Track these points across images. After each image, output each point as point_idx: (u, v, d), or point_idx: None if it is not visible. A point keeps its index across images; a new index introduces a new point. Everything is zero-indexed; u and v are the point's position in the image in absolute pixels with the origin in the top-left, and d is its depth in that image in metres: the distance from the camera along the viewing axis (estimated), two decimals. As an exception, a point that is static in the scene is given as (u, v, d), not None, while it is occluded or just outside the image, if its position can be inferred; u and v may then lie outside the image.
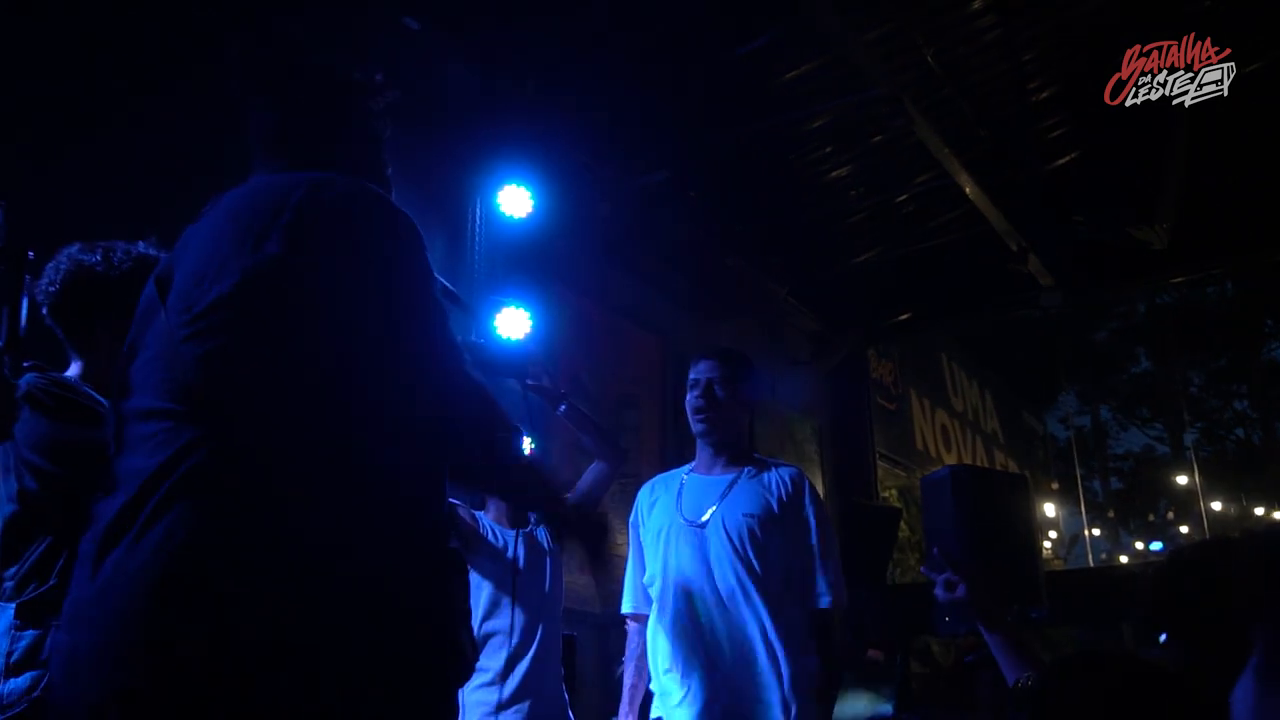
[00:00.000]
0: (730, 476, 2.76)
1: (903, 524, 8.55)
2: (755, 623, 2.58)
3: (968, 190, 6.30)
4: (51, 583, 1.92)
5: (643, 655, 2.77)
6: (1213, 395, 22.12)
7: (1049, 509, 17.34)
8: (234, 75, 1.56)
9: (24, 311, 1.36)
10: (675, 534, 2.72)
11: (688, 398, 2.85)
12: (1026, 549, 5.25)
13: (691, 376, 2.86)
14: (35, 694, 1.84)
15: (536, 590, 3.16)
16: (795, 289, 7.47)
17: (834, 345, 8.25)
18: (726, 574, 2.61)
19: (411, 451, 1.36)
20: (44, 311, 2.10)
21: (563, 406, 3.07)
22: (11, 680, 1.87)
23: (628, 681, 2.82)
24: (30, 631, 1.90)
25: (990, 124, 6.48)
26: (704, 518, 2.69)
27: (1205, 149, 6.04)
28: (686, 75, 5.35)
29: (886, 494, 9.49)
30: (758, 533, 2.63)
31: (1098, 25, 5.82)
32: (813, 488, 2.78)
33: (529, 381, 2.94)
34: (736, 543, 2.63)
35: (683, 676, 2.60)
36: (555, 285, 5.23)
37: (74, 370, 2.14)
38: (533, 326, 5.04)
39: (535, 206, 4.50)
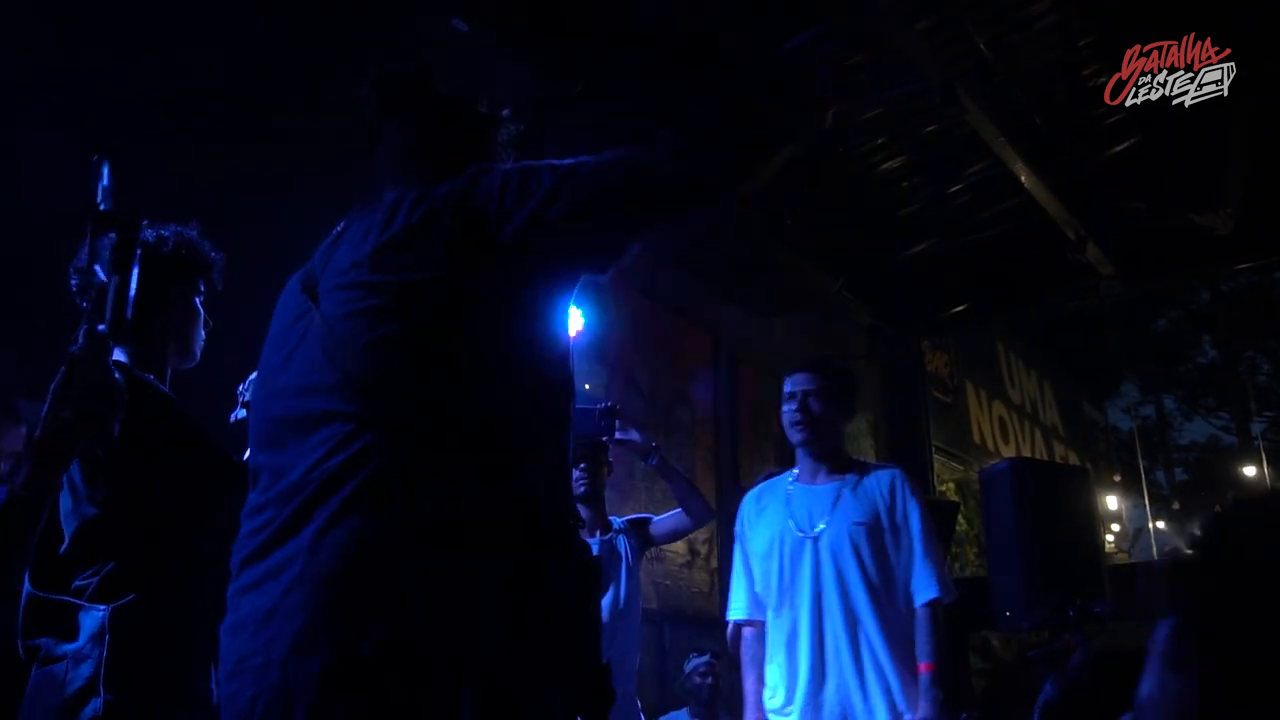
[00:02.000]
0: (835, 485, 2.83)
1: (960, 518, 8.44)
2: (869, 633, 2.66)
3: (1023, 179, 6.21)
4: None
5: (761, 661, 2.83)
6: (1281, 384, 21.54)
7: (1111, 501, 17.00)
8: (373, 94, 1.62)
9: (133, 289, 1.24)
10: (789, 546, 2.80)
11: (783, 410, 2.90)
12: (1088, 542, 5.22)
13: (786, 389, 2.91)
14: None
15: (612, 595, 3.21)
16: (848, 282, 7.41)
17: (888, 338, 8.18)
18: (843, 584, 2.70)
19: (553, 455, 1.39)
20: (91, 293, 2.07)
21: (653, 459, 3.16)
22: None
23: (750, 688, 2.86)
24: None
25: (1045, 111, 6.37)
26: (817, 529, 2.77)
27: (1272, 130, 5.88)
28: (735, 70, 5.34)
29: (943, 488, 9.39)
30: (869, 541, 2.72)
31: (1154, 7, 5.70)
32: (914, 486, 2.85)
33: (617, 436, 3.01)
34: (851, 553, 2.71)
35: (793, 687, 2.70)
36: (607, 282, 5.25)
37: (120, 355, 2.07)
38: (585, 323, 5.06)
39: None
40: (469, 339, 1.34)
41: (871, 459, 7.89)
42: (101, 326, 1.20)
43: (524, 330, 1.37)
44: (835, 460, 2.88)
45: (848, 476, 2.83)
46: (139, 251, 1.27)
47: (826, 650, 2.68)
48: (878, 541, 2.72)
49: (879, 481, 2.81)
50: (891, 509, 2.76)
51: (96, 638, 1.90)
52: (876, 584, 2.69)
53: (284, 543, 1.26)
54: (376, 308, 1.33)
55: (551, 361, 1.41)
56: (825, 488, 2.83)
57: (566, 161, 1.38)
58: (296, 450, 1.31)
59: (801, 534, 2.78)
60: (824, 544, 2.74)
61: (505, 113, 1.67)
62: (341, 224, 1.52)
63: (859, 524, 2.73)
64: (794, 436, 2.88)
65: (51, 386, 1.17)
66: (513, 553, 1.28)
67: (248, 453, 1.52)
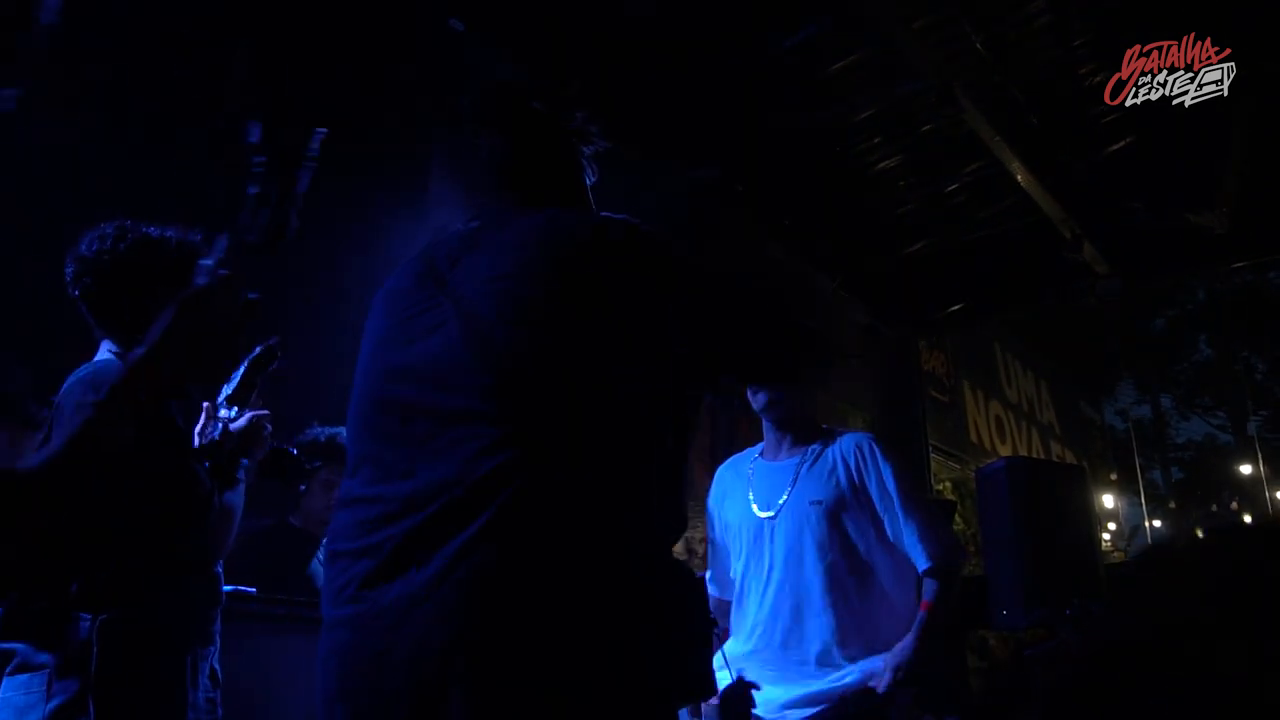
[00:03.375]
0: (795, 460, 2.70)
1: (957, 517, 8.44)
2: (829, 618, 2.53)
3: (1020, 178, 6.21)
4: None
5: (724, 637, 2.73)
6: (1278, 382, 21.58)
7: (1108, 500, 17.03)
8: (469, 105, 1.68)
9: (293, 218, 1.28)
10: (748, 530, 2.71)
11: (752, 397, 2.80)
12: (1085, 541, 5.22)
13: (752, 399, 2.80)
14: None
15: None
16: (845, 281, 7.41)
17: (885, 337, 8.18)
18: (801, 568, 2.58)
19: (673, 484, 1.42)
20: (86, 281, 2.03)
21: None
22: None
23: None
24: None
25: (1042, 110, 6.38)
26: (773, 512, 2.66)
27: (1269, 129, 5.89)
28: (733, 69, 5.34)
29: (940, 487, 9.39)
30: (827, 519, 2.59)
31: (1151, 7, 5.70)
32: (884, 449, 2.67)
33: None
34: (810, 534, 2.58)
35: (758, 677, 2.56)
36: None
37: (107, 353, 2.08)
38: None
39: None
40: (618, 375, 1.35)
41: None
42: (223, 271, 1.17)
43: (665, 382, 1.41)
44: (800, 430, 2.75)
45: (811, 448, 2.70)
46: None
47: (788, 644, 2.56)
48: (841, 518, 2.58)
49: (842, 450, 2.66)
50: (860, 480, 2.60)
51: (82, 649, 1.88)
52: (836, 564, 2.55)
53: (426, 549, 1.24)
54: (540, 317, 1.34)
55: (679, 407, 1.46)
56: (786, 464, 2.71)
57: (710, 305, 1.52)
58: (426, 446, 1.29)
59: (757, 517, 2.68)
60: (779, 526, 2.63)
61: (594, 129, 1.73)
62: (473, 223, 1.55)
63: (815, 503, 2.60)
64: (763, 410, 2.77)
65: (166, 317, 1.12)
66: (644, 578, 1.30)
67: (341, 431, 1.52)
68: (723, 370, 1.61)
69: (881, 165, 6.69)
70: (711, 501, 2.90)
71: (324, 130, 1.34)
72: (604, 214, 1.54)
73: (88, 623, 1.87)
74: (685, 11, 4.84)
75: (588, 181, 1.71)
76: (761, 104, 5.62)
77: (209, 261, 1.18)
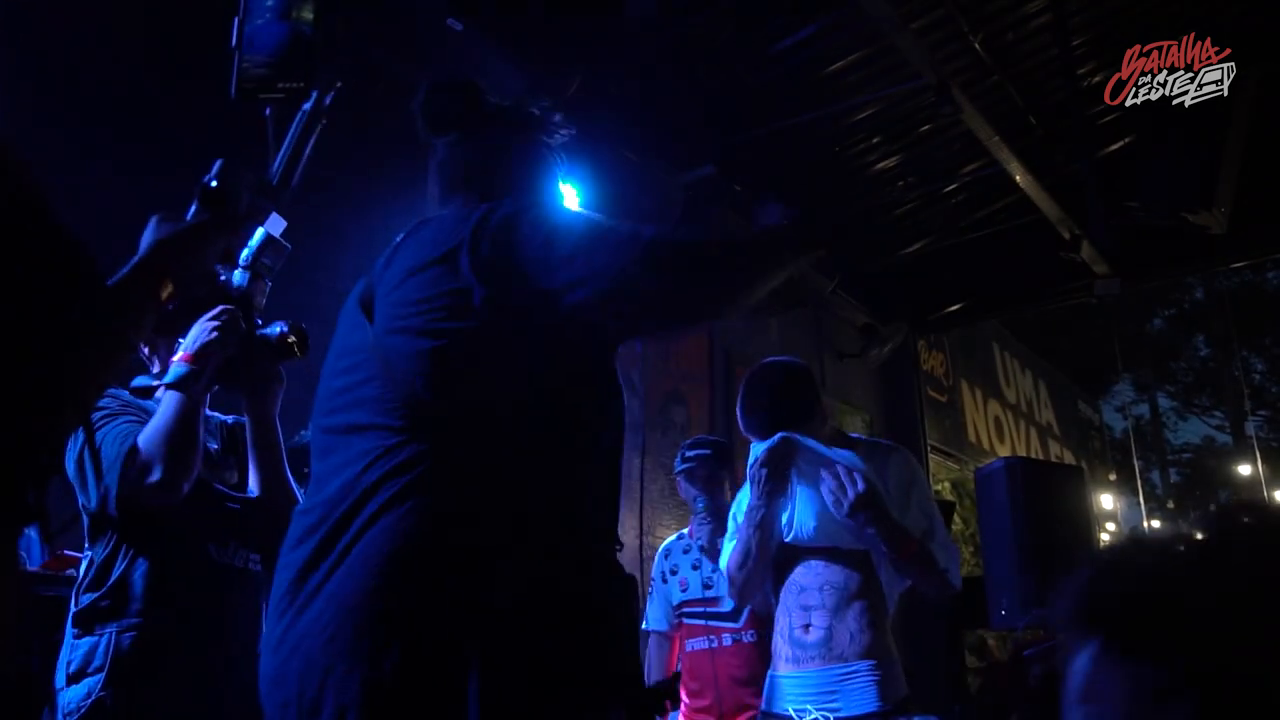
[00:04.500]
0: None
1: (956, 517, 8.45)
2: (851, 624, 2.52)
3: (1018, 178, 6.21)
4: (102, 591, 1.95)
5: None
6: (1276, 383, 21.59)
7: (1106, 500, 17.02)
8: (421, 112, 1.65)
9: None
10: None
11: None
12: (1083, 541, 5.22)
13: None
14: (91, 699, 1.87)
15: None
16: (843, 281, 7.41)
17: (883, 337, 8.18)
18: (832, 569, 2.59)
19: (593, 470, 1.41)
20: None
21: None
22: (70, 687, 1.91)
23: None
24: (87, 639, 1.93)
25: (1040, 110, 6.38)
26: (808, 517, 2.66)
27: (1267, 129, 5.89)
28: (731, 68, 5.34)
29: (939, 487, 9.39)
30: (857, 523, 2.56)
31: (1151, 7, 5.71)
32: (913, 465, 2.70)
33: None
34: (839, 534, 2.58)
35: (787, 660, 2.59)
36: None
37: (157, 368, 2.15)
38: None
39: (581, 204, 4.51)
40: (511, 357, 1.36)
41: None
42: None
43: (566, 352, 1.40)
44: (829, 441, 2.70)
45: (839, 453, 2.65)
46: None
47: (814, 647, 2.55)
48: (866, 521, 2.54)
49: (878, 461, 2.64)
50: (891, 491, 2.59)
51: (92, 657, 1.90)
52: (870, 568, 2.57)
53: (327, 553, 1.28)
54: (422, 322, 1.36)
55: (594, 381, 1.44)
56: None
57: (593, 236, 1.40)
58: (341, 458, 1.34)
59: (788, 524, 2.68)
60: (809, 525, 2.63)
61: (557, 118, 1.70)
62: (400, 236, 1.54)
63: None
64: None
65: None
66: (547, 565, 1.29)
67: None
68: (615, 316, 1.42)
69: (880, 165, 6.69)
70: (741, 497, 2.88)
71: (340, 84, 1.37)
72: (501, 200, 1.49)
73: (103, 635, 1.93)
74: (685, 11, 4.84)
75: (553, 172, 1.69)
76: (760, 103, 5.62)
77: (212, 182, 1.22)
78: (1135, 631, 0.74)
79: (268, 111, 1.37)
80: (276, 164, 1.31)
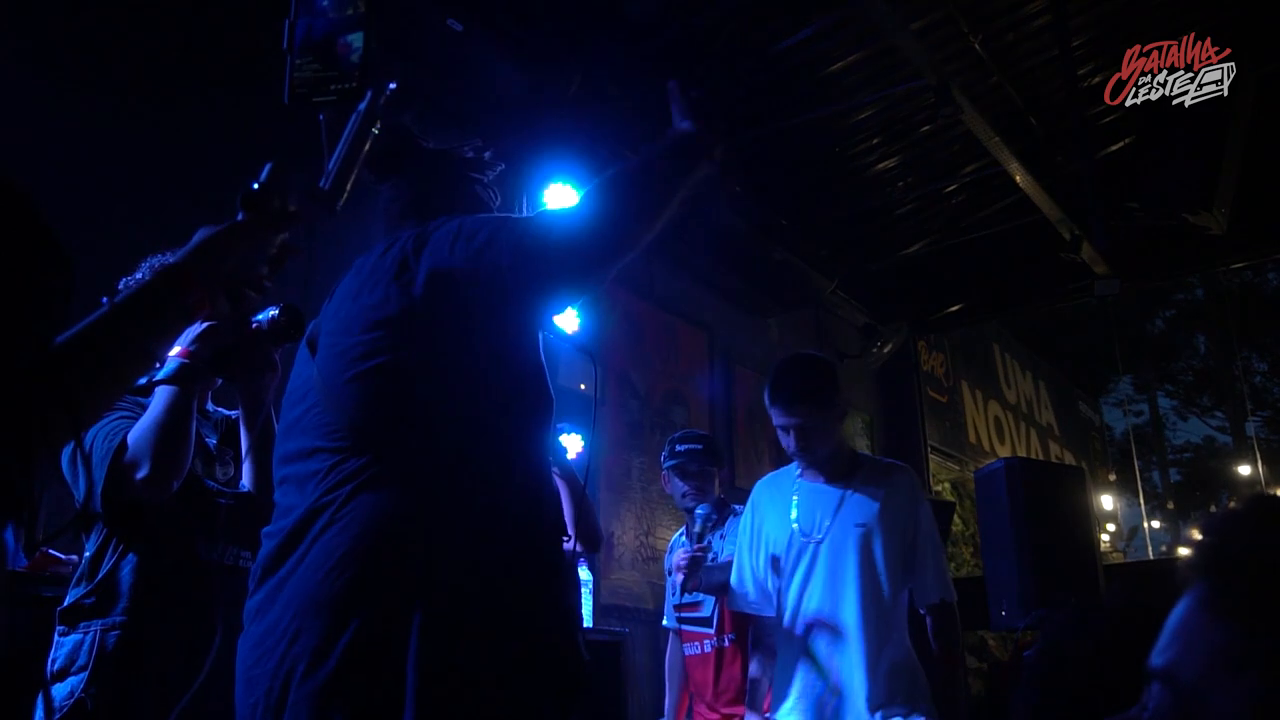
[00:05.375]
0: (841, 486, 2.76)
1: (956, 518, 8.45)
2: (868, 641, 2.59)
3: (1018, 179, 6.22)
4: (89, 587, 1.95)
5: (771, 652, 2.78)
6: (1277, 383, 21.57)
7: (1106, 501, 17.03)
8: (367, 164, 1.68)
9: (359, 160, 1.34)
10: (794, 549, 2.75)
11: (783, 440, 2.79)
12: (1083, 541, 5.23)
13: (776, 420, 2.77)
14: (74, 699, 1.86)
15: None
16: (843, 282, 7.41)
17: (883, 338, 8.18)
18: (842, 591, 2.64)
19: (522, 456, 1.47)
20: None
21: None
22: (55, 685, 1.90)
23: (753, 673, 2.82)
24: (71, 636, 1.93)
25: (1040, 111, 6.38)
26: (819, 534, 2.72)
27: (1267, 130, 5.89)
28: (732, 69, 5.34)
29: (939, 488, 9.39)
30: (871, 546, 2.66)
31: (1151, 7, 5.71)
32: (918, 486, 2.81)
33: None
34: (854, 557, 2.65)
35: (800, 696, 2.64)
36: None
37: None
38: (580, 324, 5.05)
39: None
40: (441, 363, 1.43)
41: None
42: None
43: (493, 350, 1.46)
44: (839, 459, 2.79)
45: (857, 476, 2.76)
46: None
47: (827, 655, 2.63)
48: (878, 545, 2.66)
49: (890, 483, 2.74)
50: (898, 512, 2.69)
51: (76, 655, 1.90)
52: (875, 589, 2.63)
53: (282, 562, 1.37)
54: (354, 345, 1.45)
55: (523, 377, 1.50)
56: (832, 489, 2.76)
57: (500, 220, 1.47)
58: (296, 482, 1.43)
59: (805, 538, 2.73)
60: (825, 548, 2.69)
61: (488, 155, 1.77)
62: (352, 270, 1.60)
63: (859, 525, 2.67)
64: (798, 460, 2.83)
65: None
66: (491, 554, 1.36)
67: None
68: (534, 276, 1.43)
69: (880, 166, 6.69)
70: (750, 514, 2.93)
71: (393, 85, 1.38)
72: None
73: (88, 632, 1.92)
74: (685, 11, 4.84)
75: (486, 205, 1.76)
76: (760, 103, 5.62)
77: (255, 185, 1.22)
78: (1231, 591, 0.74)
79: (321, 117, 1.40)
80: (330, 167, 1.31)
